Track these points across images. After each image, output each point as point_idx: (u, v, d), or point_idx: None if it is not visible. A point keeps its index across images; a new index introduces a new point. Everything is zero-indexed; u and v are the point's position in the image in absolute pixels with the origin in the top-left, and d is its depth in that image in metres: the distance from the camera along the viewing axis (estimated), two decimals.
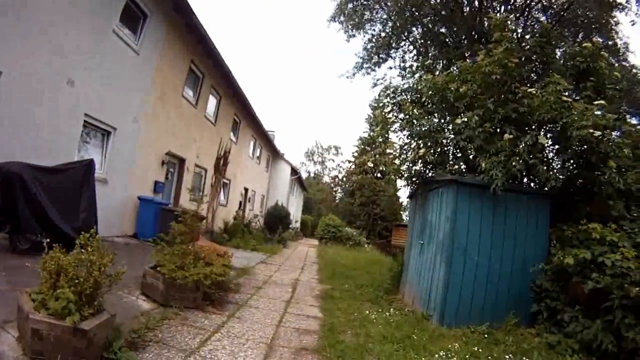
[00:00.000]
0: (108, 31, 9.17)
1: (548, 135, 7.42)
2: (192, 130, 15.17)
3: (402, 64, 15.85)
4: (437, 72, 11.64)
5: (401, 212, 42.96)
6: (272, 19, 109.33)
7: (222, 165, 15.62)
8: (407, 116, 8.63)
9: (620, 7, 12.39)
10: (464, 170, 8.27)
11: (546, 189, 6.82)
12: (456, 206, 6.86)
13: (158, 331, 4.64)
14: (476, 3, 13.67)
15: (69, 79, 8.07)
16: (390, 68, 20.37)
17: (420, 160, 8.70)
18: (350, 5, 14.95)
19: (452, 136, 8.08)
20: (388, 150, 10.57)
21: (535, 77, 8.54)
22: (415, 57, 15.73)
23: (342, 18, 15.32)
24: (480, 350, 5.34)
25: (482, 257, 6.78)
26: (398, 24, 14.63)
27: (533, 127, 7.38)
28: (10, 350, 3.26)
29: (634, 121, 12.07)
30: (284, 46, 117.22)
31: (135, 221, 11.46)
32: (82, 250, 3.65)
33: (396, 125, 9.52)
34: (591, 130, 6.06)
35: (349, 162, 51.04)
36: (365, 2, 14.74)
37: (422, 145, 8.50)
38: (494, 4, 13.85)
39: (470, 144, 7.37)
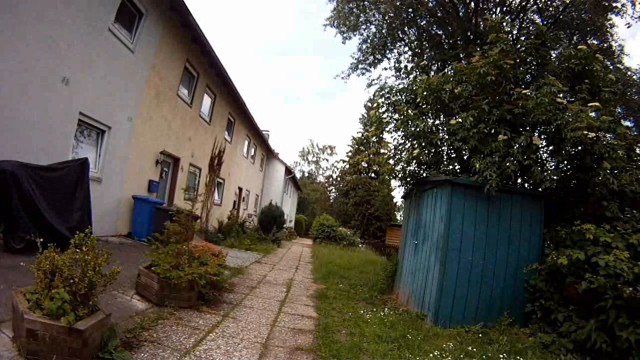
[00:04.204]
0: (104, 29, 9.12)
1: (542, 137, 7.47)
2: (187, 130, 15.15)
3: (397, 65, 15.89)
4: (432, 73, 11.68)
5: (395, 212, 43.07)
6: (267, 18, 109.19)
7: (216, 165, 15.49)
8: (402, 117, 8.65)
9: (616, 10, 12.47)
10: (458, 170, 8.30)
11: (540, 189, 6.85)
12: (450, 206, 6.89)
13: (153, 331, 4.63)
14: (472, 4, 13.72)
15: (63, 78, 8.02)
16: (385, 69, 20.51)
17: (414, 161, 8.73)
18: (346, 7, 14.94)
19: (447, 137, 8.11)
20: (382, 150, 10.61)
21: (530, 79, 8.59)
22: (410, 58, 15.77)
23: (338, 20, 15.30)
24: (474, 349, 5.36)
25: (476, 257, 6.81)
26: (393, 25, 14.64)
27: (527, 128, 7.42)
28: (5, 350, 3.24)
29: (628, 123, 12.18)
30: (279, 45, 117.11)
31: (130, 220, 11.42)
32: (77, 249, 3.63)
33: (391, 126, 9.54)
34: (585, 132, 6.11)
35: (343, 162, 51.15)
36: (361, 4, 14.73)
37: (416, 145, 8.53)
38: (489, 5, 13.90)
39: (465, 145, 7.40)
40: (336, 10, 15.16)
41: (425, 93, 8.31)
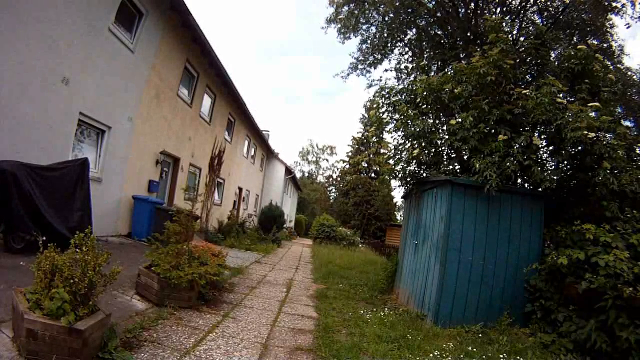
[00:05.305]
0: (104, 29, 9.12)
1: (542, 137, 7.48)
2: (187, 130, 15.15)
3: (397, 66, 15.88)
4: (432, 73, 11.67)
5: (395, 212, 43.10)
6: (267, 18, 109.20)
7: (216, 165, 15.56)
8: (402, 117, 8.64)
9: (616, 10, 12.46)
10: (458, 170, 8.30)
11: (540, 189, 6.85)
12: (450, 206, 6.88)
13: (153, 331, 4.63)
14: (472, 5, 13.70)
15: (64, 78, 8.02)
16: (386, 70, 20.49)
17: (414, 161, 8.73)
18: (345, 8, 14.95)
19: (447, 137, 8.11)
20: (382, 150, 10.61)
21: (530, 79, 8.59)
22: (410, 59, 15.76)
23: (337, 22, 15.31)
24: (474, 349, 5.36)
25: (476, 257, 6.81)
26: (393, 26, 14.63)
27: (527, 128, 7.42)
28: (5, 350, 3.23)
29: (628, 123, 12.19)
30: (279, 45, 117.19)
31: (130, 220, 11.42)
32: (77, 249, 3.63)
33: (391, 126, 9.54)
34: (585, 132, 6.11)
35: (343, 162, 51.23)
36: (360, 5, 14.72)
37: (416, 145, 8.53)
38: (489, 5, 13.88)
39: (465, 145, 7.40)
40: (335, 12, 15.16)
41: (425, 93, 8.31)
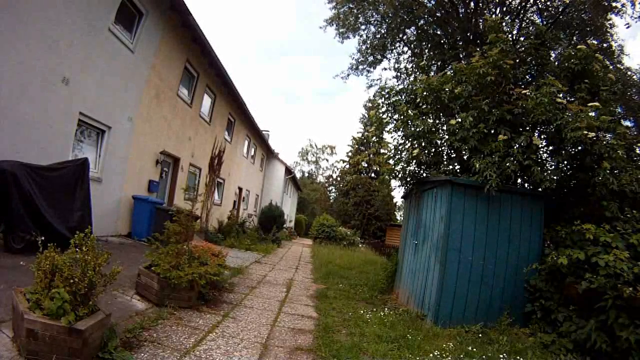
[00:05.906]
0: (104, 29, 9.11)
1: (542, 137, 7.48)
2: (187, 130, 15.14)
3: (397, 66, 15.88)
4: (432, 73, 11.66)
5: (395, 212, 43.10)
6: (267, 18, 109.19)
7: (216, 165, 15.58)
8: (402, 117, 8.64)
9: (616, 10, 12.46)
10: (458, 170, 8.30)
11: (540, 189, 6.85)
12: (450, 206, 6.88)
13: (153, 331, 4.63)
14: (472, 4, 13.70)
15: (63, 78, 8.01)
16: (385, 69, 20.42)
17: (414, 161, 8.73)
18: (345, 8, 14.93)
19: (447, 137, 8.11)
20: (382, 150, 10.60)
21: (530, 79, 8.59)
22: (410, 58, 15.76)
23: (337, 21, 15.29)
24: (474, 349, 5.36)
25: (476, 257, 6.81)
26: (392, 26, 14.62)
27: (527, 128, 7.42)
28: (5, 350, 3.23)
29: (628, 123, 12.18)
30: (279, 45, 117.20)
31: (130, 220, 11.41)
32: (77, 249, 3.63)
33: (391, 126, 9.54)
34: (585, 132, 6.11)
35: (343, 161, 51.20)
36: (360, 4, 14.70)
37: (416, 145, 8.53)
38: (489, 5, 13.88)
39: (465, 145, 7.40)
40: (335, 10, 15.15)
41: (425, 93, 8.31)
